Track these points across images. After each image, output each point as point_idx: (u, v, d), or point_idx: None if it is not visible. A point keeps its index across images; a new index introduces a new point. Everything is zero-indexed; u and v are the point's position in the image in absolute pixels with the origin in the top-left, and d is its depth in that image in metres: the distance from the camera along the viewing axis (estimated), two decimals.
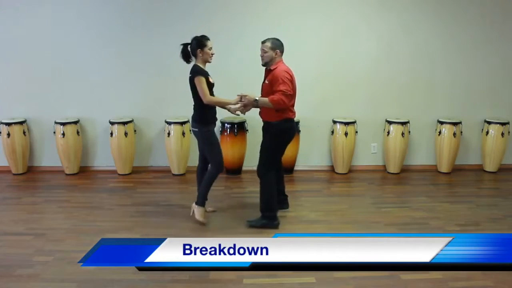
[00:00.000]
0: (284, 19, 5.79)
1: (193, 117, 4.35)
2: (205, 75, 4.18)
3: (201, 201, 4.41)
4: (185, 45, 4.27)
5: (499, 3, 6.00)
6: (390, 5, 5.92)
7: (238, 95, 4.15)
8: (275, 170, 4.36)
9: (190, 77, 4.20)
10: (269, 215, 4.33)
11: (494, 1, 5.99)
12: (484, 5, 5.98)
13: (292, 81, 4.13)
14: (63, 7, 5.69)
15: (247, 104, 4.13)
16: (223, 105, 4.28)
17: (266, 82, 4.20)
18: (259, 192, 4.42)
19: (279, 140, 4.28)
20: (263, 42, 4.21)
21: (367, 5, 5.90)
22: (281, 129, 4.21)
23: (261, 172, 4.30)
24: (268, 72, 4.22)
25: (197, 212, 4.40)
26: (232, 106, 4.18)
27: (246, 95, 4.11)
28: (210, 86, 4.23)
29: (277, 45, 4.17)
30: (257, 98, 4.08)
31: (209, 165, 4.39)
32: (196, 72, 4.16)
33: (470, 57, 6.10)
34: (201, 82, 4.11)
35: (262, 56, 4.20)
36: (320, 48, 5.92)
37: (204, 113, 4.27)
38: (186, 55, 4.26)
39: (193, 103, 4.29)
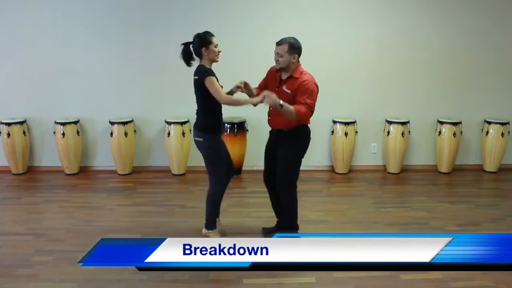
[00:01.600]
0: (283, 19, 5.79)
1: (196, 125, 3.86)
2: (215, 75, 3.69)
3: (211, 225, 3.97)
4: (186, 45, 3.77)
5: (500, 3, 6.00)
6: (391, 5, 5.92)
7: (262, 94, 3.57)
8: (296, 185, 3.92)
9: (196, 79, 3.70)
10: (291, 229, 3.94)
11: (495, 0, 5.99)
12: (484, 4, 5.98)
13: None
14: (63, 8, 5.69)
15: (269, 104, 3.61)
16: (242, 105, 3.82)
17: (287, 90, 3.66)
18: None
19: (297, 149, 3.82)
20: (278, 44, 3.65)
21: (367, 5, 5.90)
22: (298, 137, 3.77)
23: (285, 189, 3.87)
24: (288, 79, 3.70)
25: (212, 235, 3.91)
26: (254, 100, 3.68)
27: (270, 95, 3.53)
28: None
29: (295, 48, 3.63)
30: (282, 103, 3.50)
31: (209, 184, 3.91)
32: (205, 72, 3.65)
33: (470, 56, 6.09)
34: (213, 82, 3.61)
35: (277, 60, 3.66)
36: (320, 48, 5.90)
37: (210, 120, 3.80)
38: (187, 56, 3.76)
39: (196, 108, 3.88)
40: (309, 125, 3.86)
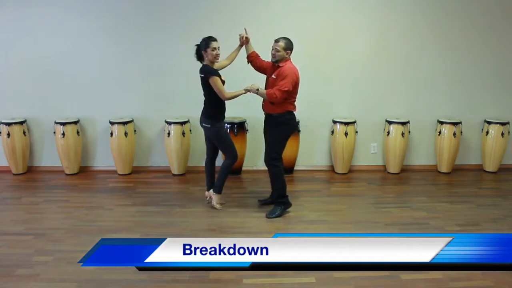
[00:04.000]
0: (284, 18, 5.79)
1: (204, 113, 4.57)
2: (218, 74, 4.39)
3: (220, 190, 4.71)
4: (198, 45, 4.48)
5: (499, 3, 6.00)
6: (390, 5, 5.92)
7: (244, 89, 4.48)
8: (282, 160, 4.65)
9: (202, 77, 4.41)
10: (283, 201, 4.65)
11: (494, 0, 5.99)
12: (484, 5, 5.98)
13: (297, 82, 4.41)
14: (63, 8, 5.69)
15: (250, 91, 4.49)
16: (239, 96, 4.52)
17: (273, 76, 4.45)
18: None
19: (280, 131, 4.54)
20: (276, 41, 4.42)
21: (367, 5, 5.90)
22: (281, 121, 4.49)
23: (268, 162, 4.57)
24: (275, 68, 4.46)
25: (215, 198, 4.72)
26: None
27: (250, 86, 4.45)
28: (222, 83, 4.44)
29: (289, 46, 4.42)
30: (258, 88, 4.41)
31: (225, 158, 4.71)
32: (209, 72, 4.36)
33: (470, 57, 6.09)
34: (216, 82, 4.33)
35: (273, 54, 4.42)
36: (320, 48, 5.92)
37: (217, 110, 4.52)
38: (199, 56, 4.48)
39: (203, 100, 4.53)
40: (295, 112, 4.58)
